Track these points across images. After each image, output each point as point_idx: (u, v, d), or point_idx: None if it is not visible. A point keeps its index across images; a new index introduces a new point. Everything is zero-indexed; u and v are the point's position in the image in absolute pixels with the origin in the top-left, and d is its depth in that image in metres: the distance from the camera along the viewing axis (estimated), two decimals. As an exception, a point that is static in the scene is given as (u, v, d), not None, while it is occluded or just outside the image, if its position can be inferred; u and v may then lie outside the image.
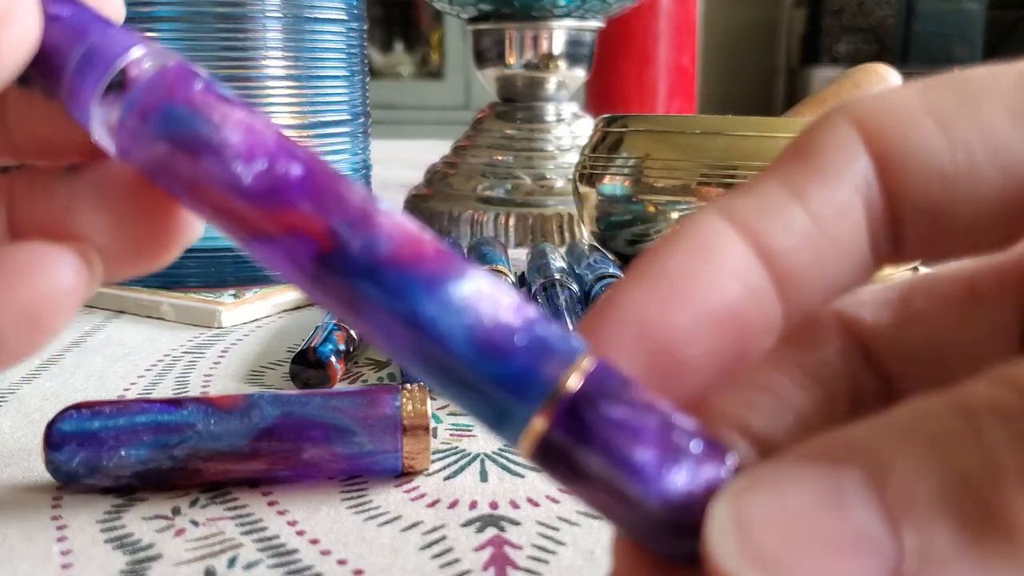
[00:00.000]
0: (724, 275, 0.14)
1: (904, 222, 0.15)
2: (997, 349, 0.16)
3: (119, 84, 0.14)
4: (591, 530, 0.26)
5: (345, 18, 0.54)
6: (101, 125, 0.15)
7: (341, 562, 0.24)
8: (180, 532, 0.26)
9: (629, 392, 0.13)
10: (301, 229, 0.14)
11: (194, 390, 0.37)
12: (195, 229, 0.16)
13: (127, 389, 0.37)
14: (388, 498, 0.28)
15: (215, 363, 0.41)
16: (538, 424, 0.13)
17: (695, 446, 0.13)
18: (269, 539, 0.25)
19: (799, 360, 0.16)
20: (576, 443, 0.13)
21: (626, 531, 0.14)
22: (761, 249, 0.15)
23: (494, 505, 0.27)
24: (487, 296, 0.14)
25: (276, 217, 0.14)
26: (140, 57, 0.15)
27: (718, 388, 0.15)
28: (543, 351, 0.13)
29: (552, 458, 0.13)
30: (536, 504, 0.27)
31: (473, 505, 0.27)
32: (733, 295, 0.14)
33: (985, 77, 0.15)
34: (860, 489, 0.12)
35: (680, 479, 0.13)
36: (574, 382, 0.13)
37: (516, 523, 0.26)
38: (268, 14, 0.49)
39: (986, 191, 0.15)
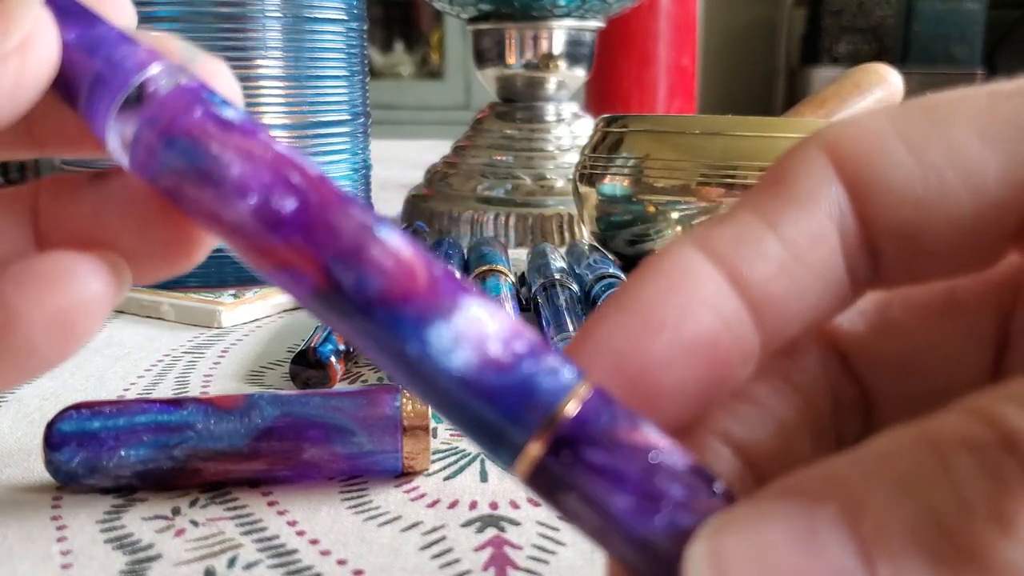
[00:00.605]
0: (698, 305, 0.14)
1: (880, 247, 0.15)
2: (974, 358, 0.16)
3: (136, 99, 0.15)
4: (591, 530, 0.26)
5: (345, 18, 0.54)
6: (117, 140, 0.15)
7: (341, 562, 0.24)
8: (180, 532, 0.26)
9: (616, 432, 0.13)
10: (296, 266, 0.14)
11: (194, 390, 0.37)
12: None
13: (127, 389, 0.37)
14: (388, 498, 0.28)
15: (215, 363, 0.41)
16: (520, 468, 0.13)
17: (677, 490, 0.13)
18: (269, 539, 0.25)
19: (779, 369, 0.16)
20: (556, 487, 0.13)
21: (616, 560, 0.14)
22: (735, 278, 0.15)
23: (494, 505, 0.27)
24: (475, 334, 0.14)
25: (271, 253, 0.14)
26: (155, 75, 0.15)
27: (697, 416, 0.15)
28: (528, 393, 0.13)
29: (541, 493, 0.14)
30: (536, 504, 0.27)
31: (473, 505, 0.27)
32: (708, 324, 0.14)
33: (955, 100, 0.15)
34: (835, 526, 0.12)
35: (659, 523, 0.13)
36: (559, 420, 0.13)
37: (516, 523, 0.26)
38: (268, 14, 0.49)
39: (959, 213, 0.15)
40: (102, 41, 0.15)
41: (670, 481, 0.13)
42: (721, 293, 0.15)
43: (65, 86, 0.15)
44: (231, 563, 0.24)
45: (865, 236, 0.15)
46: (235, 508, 0.27)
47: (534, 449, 0.13)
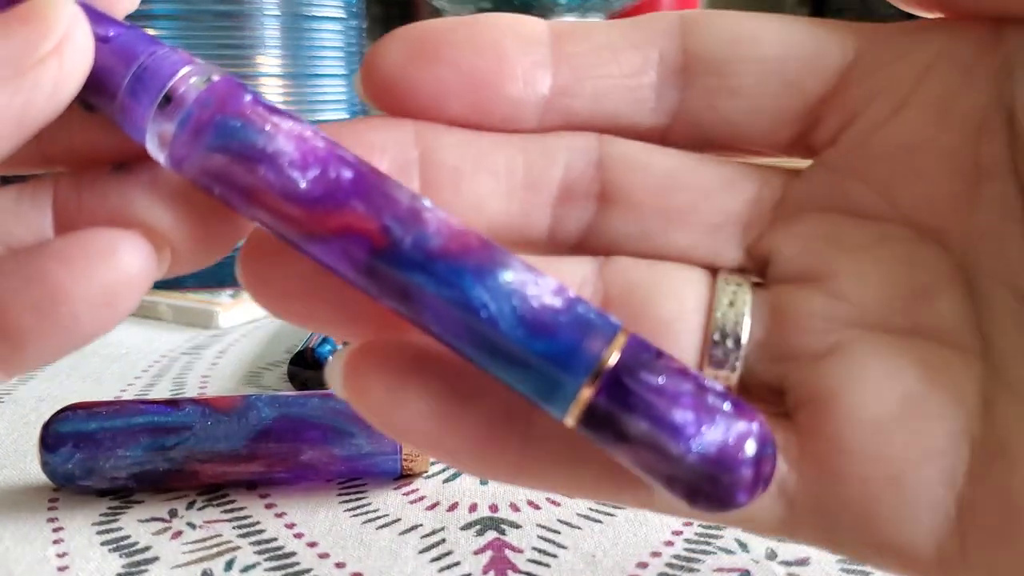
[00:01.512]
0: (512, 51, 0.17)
1: (692, 72, 0.17)
2: None
3: (169, 99, 0.15)
4: (592, 533, 0.26)
5: (344, 16, 0.54)
6: (154, 138, 0.15)
7: (339, 565, 0.24)
8: (177, 535, 0.25)
9: (664, 362, 0.15)
10: (356, 228, 0.15)
11: (191, 391, 0.37)
12: (248, 224, 0.17)
13: (124, 390, 0.37)
14: (387, 500, 0.28)
15: (212, 364, 0.40)
16: (585, 394, 0.14)
17: (727, 406, 0.14)
18: (267, 542, 0.25)
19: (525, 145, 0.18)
20: (621, 408, 0.14)
21: (666, 484, 0.15)
22: (555, 35, 0.17)
23: (494, 508, 0.27)
24: (530, 282, 0.15)
25: (332, 218, 0.15)
26: (188, 73, 0.15)
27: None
28: (585, 328, 0.15)
29: (599, 425, 0.14)
30: (537, 507, 0.27)
31: (473, 508, 0.27)
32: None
33: None
34: None
35: (716, 435, 0.14)
36: (614, 355, 0.14)
37: (516, 526, 0.26)
38: (266, 12, 0.48)
39: (769, 54, 0.17)
40: (133, 43, 0.16)
41: (721, 398, 0.14)
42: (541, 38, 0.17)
43: (98, 91, 0.16)
44: (228, 566, 0.24)
45: (683, 61, 0.17)
46: (233, 510, 0.27)
47: (586, 393, 0.14)
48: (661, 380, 0.14)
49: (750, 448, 0.14)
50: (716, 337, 0.17)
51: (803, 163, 0.18)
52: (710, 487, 0.14)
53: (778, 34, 0.17)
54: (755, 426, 0.14)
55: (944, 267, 0.16)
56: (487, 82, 0.17)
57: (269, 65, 0.50)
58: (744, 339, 0.17)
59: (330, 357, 0.36)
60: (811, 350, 0.16)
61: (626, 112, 0.18)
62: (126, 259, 0.15)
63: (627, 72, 0.17)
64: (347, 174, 0.15)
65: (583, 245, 0.18)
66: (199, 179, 0.15)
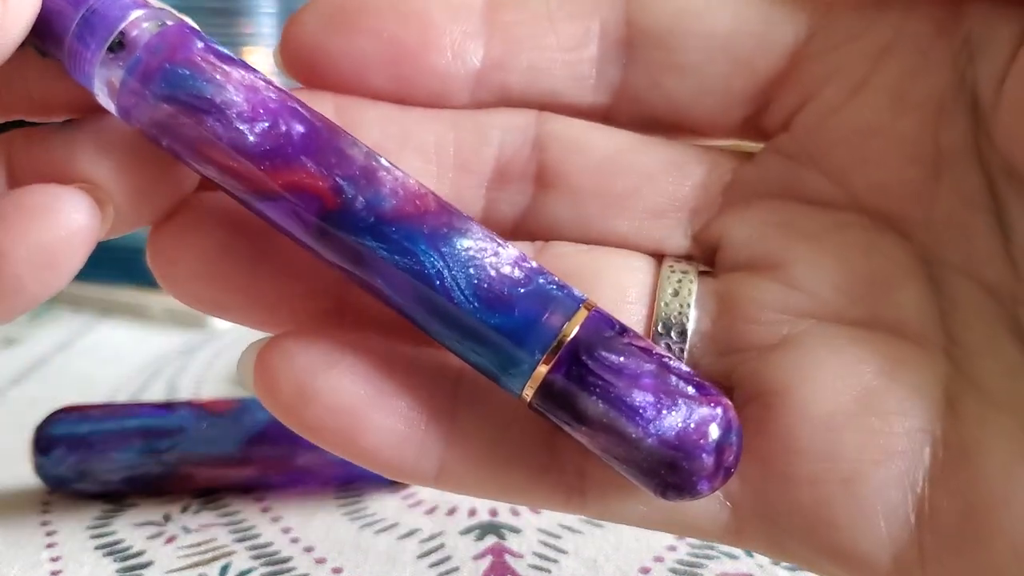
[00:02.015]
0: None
1: (636, 46, 0.16)
2: None
3: (119, 45, 0.14)
4: (593, 538, 0.25)
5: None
6: (103, 86, 0.15)
7: (336, 570, 0.24)
8: (171, 539, 0.25)
9: (627, 340, 0.14)
10: (306, 186, 0.14)
11: (185, 394, 0.37)
12: (194, 178, 0.16)
13: (117, 392, 0.37)
14: (385, 505, 0.27)
15: (206, 366, 0.40)
16: (542, 370, 0.14)
17: (691, 389, 0.14)
18: (262, 547, 0.25)
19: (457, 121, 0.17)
20: (578, 387, 0.14)
21: (623, 469, 0.14)
22: (488, 2, 0.16)
23: (493, 512, 0.27)
24: (490, 250, 0.14)
25: (280, 175, 0.14)
26: (140, 17, 0.15)
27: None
28: (545, 301, 0.14)
29: (555, 402, 0.14)
30: (537, 511, 0.27)
31: (472, 512, 0.27)
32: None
33: None
34: None
35: (676, 419, 0.14)
36: (574, 330, 0.14)
37: (516, 531, 0.26)
38: (261, 9, 0.48)
39: (718, 28, 0.16)
40: None
41: (684, 381, 0.14)
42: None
43: (46, 34, 0.15)
44: (224, 571, 0.24)
45: (626, 33, 0.16)
46: (228, 514, 0.27)
47: (542, 369, 0.14)
48: (621, 359, 0.14)
49: (713, 433, 0.14)
50: (659, 328, 0.16)
51: (753, 146, 0.18)
52: (669, 473, 0.14)
53: (728, 7, 0.16)
54: (719, 411, 0.14)
55: (904, 257, 0.16)
56: (411, 53, 0.16)
57: (263, 62, 0.49)
58: (689, 330, 0.16)
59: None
60: (761, 342, 0.16)
61: (565, 89, 0.17)
62: (66, 216, 0.14)
63: (566, 45, 0.17)
64: (298, 128, 0.14)
65: (519, 230, 0.17)
66: (148, 130, 0.15)
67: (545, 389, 0.14)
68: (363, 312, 0.16)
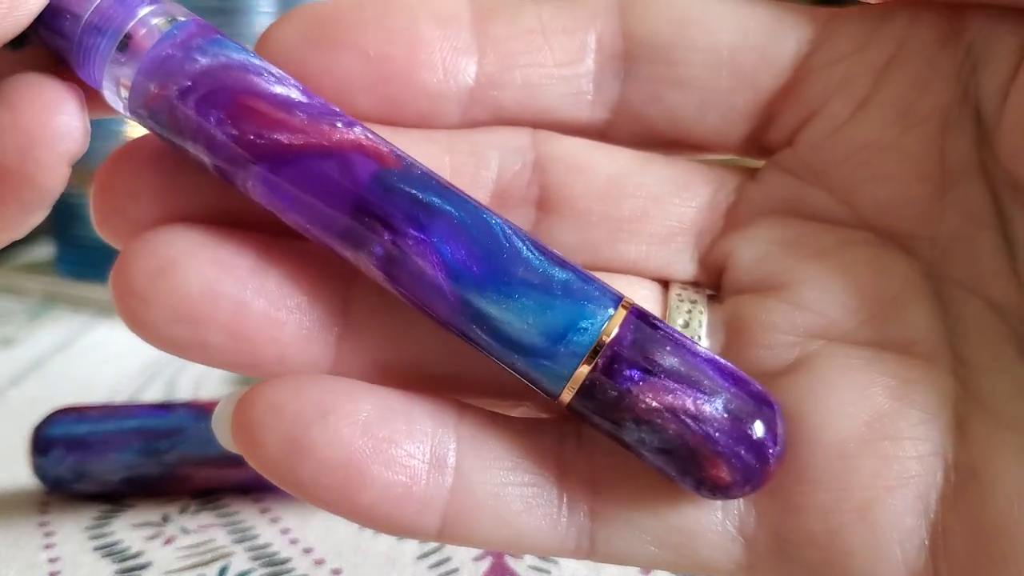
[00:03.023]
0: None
1: (636, 57, 0.16)
2: None
3: (126, 44, 0.14)
4: (592, 539, 0.25)
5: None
6: (112, 84, 0.14)
7: (335, 572, 0.24)
8: (170, 540, 0.25)
9: (665, 336, 0.14)
10: (365, 146, 0.14)
11: (184, 394, 0.37)
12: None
13: (116, 393, 0.37)
14: (384, 505, 0.27)
15: (205, 366, 0.40)
16: (583, 370, 0.14)
17: (734, 386, 0.14)
18: (261, 547, 0.25)
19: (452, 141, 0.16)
20: (620, 386, 0.14)
21: (665, 466, 0.14)
22: (478, 15, 0.16)
23: (492, 513, 0.27)
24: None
25: (338, 132, 0.14)
26: (149, 13, 0.14)
27: None
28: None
29: (595, 403, 0.14)
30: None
31: (471, 513, 0.27)
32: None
33: None
34: None
35: (720, 415, 0.13)
36: (614, 330, 0.14)
37: (515, 531, 0.26)
38: (260, 9, 0.48)
39: (721, 41, 0.16)
40: None
41: (722, 375, 0.14)
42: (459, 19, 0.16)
43: (55, 30, 0.14)
44: (222, 572, 0.24)
45: (624, 46, 0.16)
46: (227, 515, 0.26)
47: (583, 371, 0.14)
48: (662, 356, 0.14)
49: (758, 430, 0.14)
50: None
51: (751, 162, 0.17)
52: (711, 470, 0.14)
53: (730, 19, 0.16)
54: (764, 408, 0.14)
55: (912, 274, 0.15)
56: (400, 72, 0.15)
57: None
58: None
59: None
60: (772, 367, 0.15)
61: (561, 105, 0.16)
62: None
63: (561, 60, 0.16)
64: (348, 118, 0.14)
65: None
66: (172, 116, 0.14)
67: (586, 390, 0.14)
68: (362, 355, 0.15)
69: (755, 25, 0.16)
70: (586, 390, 0.14)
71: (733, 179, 0.17)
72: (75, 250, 0.48)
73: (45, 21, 0.14)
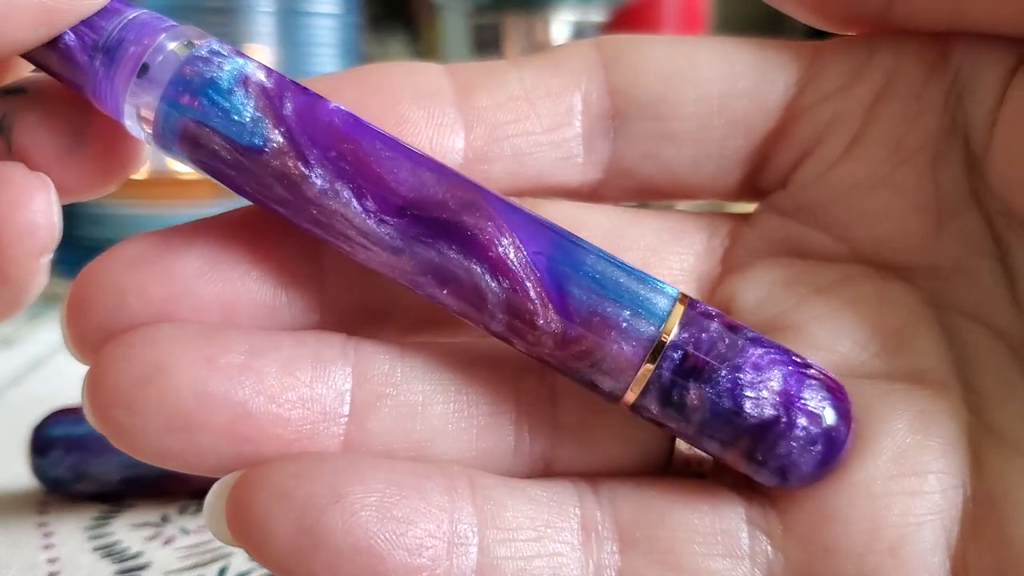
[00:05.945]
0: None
1: (623, 116, 0.16)
2: None
3: (144, 71, 0.14)
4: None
5: (339, 11, 0.53)
6: (133, 111, 0.14)
7: (335, 571, 0.24)
8: (169, 540, 0.25)
9: (725, 327, 0.14)
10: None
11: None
12: (142, 154, 0.15)
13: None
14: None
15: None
16: (645, 370, 0.14)
17: (798, 374, 0.14)
18: (261, 547, 0.25)
19: None
20: (685, 381, 0.14)
21: (725, 455, 0.14)
22: (459, 87, 0.15)
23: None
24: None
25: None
26: (167, 37, 0.14)
27: None
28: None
29: (662, 401, 0.14)
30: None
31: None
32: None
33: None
34: None
35: (784, 402, 0.14)
36: (674, 327, 0.14)
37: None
38: (260, 7, 0.48)
39: (711, 90, 0.16)
40: (115, 10, 0.14)
41: (789, 364, 0.14)
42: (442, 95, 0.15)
43: (70, 59, 0.14)
44: (222, 572, 0.24)
45: (611, 104, 0.16)
46: (226, 515, 0.26)
47: (646, 369, 0.14)
48: (724, 349, 0.14)
49: (828, 417, 0.14)
50: None
51: (738, 206, 0.17)
52: (770, 457, 0.14)
53: (716, 66, 0.16)
54: (831, 394, 0.14)
55: (916, 304, 0.15)
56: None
57: (263, 60, 0.49)
58: None
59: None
60: None
61: (552, 171, 0.16)
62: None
63: (549, 125, 0.16)
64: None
65: None
66: (192, 126, 0.14)
67: (651, 388, 0.14)
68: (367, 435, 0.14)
69: (742, 69, 0.16)
70: (650, 390, 0.14)
71: (725, 224, 0.17)
72: (75, 250, 0.48)
73: (60, 50, 0.14)
